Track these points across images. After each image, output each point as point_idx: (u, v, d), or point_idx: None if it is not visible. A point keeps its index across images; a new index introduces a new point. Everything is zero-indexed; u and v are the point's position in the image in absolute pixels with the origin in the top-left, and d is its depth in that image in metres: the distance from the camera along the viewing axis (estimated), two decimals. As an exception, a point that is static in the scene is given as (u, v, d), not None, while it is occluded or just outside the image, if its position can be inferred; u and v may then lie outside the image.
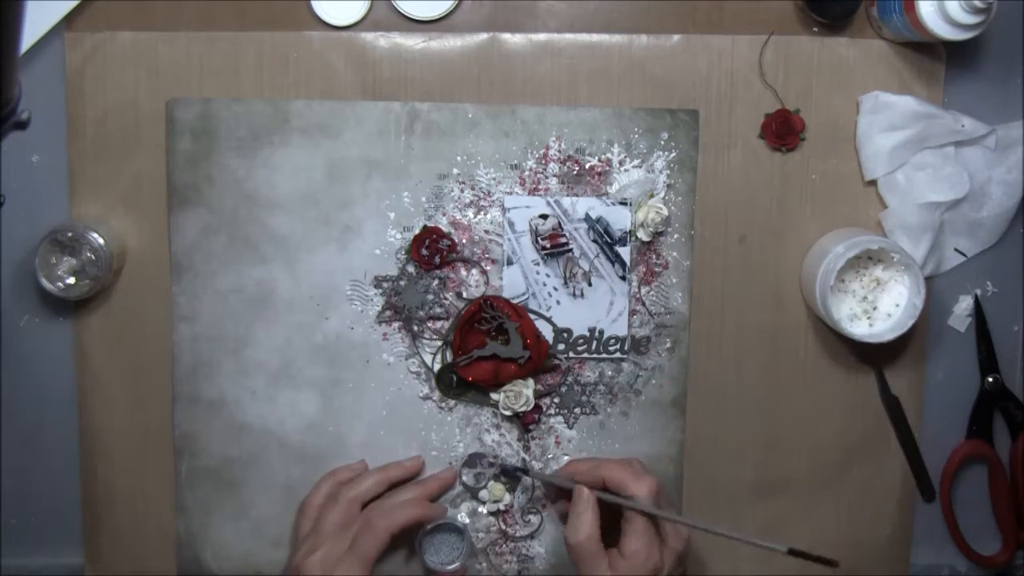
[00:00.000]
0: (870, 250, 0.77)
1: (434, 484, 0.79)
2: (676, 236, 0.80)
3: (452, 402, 0.80)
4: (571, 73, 0.79)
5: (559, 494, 0.80)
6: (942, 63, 0.80)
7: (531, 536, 0.81)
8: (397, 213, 0.79)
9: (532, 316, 0.79)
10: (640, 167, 0.79)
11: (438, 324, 0.79)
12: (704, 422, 0.81)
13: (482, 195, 0.79)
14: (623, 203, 0.79)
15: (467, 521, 0.80)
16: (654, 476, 0.72)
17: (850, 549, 0.83)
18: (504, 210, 0.79)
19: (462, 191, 0.79)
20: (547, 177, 0.79)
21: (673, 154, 0.79)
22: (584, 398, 0.80)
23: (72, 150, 0.78)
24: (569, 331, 0.80)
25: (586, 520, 0.70)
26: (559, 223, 0.79)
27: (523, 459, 0.80)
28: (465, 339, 0.78)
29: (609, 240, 0.79)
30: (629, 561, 0.69)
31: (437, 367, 0.80)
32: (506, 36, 0.79)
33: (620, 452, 0.81)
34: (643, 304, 0.80)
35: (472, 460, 0.79)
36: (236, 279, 0.79)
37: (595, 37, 0.79)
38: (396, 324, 0.79)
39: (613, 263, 0.79)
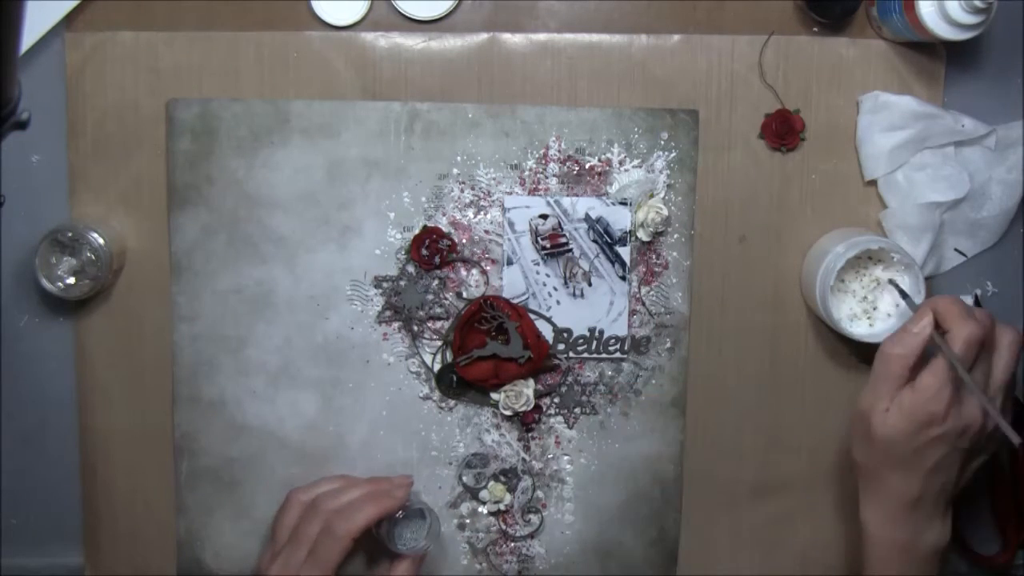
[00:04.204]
0: (870, 250, 0.77)
1: (385, 483, 0.76)
2: (676, 236, 0.80)
3: (452, 402, 0.80)
4: (571, 73, 0.79)
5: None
6: (942, 63, 0.80)
7: (531, 536, 0.81)
8: (397, 213, 0.79)
9: (532, 316, 0.79)
10: (640, 167, 0.79)
11: (438, 324, 0.79)
12: (704, 422, 0.81)
13: (482, 195, 0.79)
14: (623, 203, 0.79)
15: (429, 502, 0.79)
16: (982, 325, 0.65)
17: (850, 549, 0.83)
18: (504, 210, 0.79)
19: (462, 191, 0.79)
20: (547, 177, 0.79)
21: (673, 154, 0.79)
22: (584, 398, 0.80)
23: (72, 150, 0.78)
24: (569, 331, 0.80)
25: (912, 342, 0.65)
26: (559, 223, 0.79)
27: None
28: (465, 339, 0.78)
29: (609, 240, 0.79)
30: (915, 395, 0.64)
31: (437, 367, 0.80)
32: (506, 36, 0.79)
33: (620, 452, 0.81)
34: (643, 304, 0.80)
35: None
36: (236, 279, 0.79)
37: (595, 37, 0.79)
38: (396, 324, 0.79)
39: (613, 263, 0.79)
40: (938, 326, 0.67)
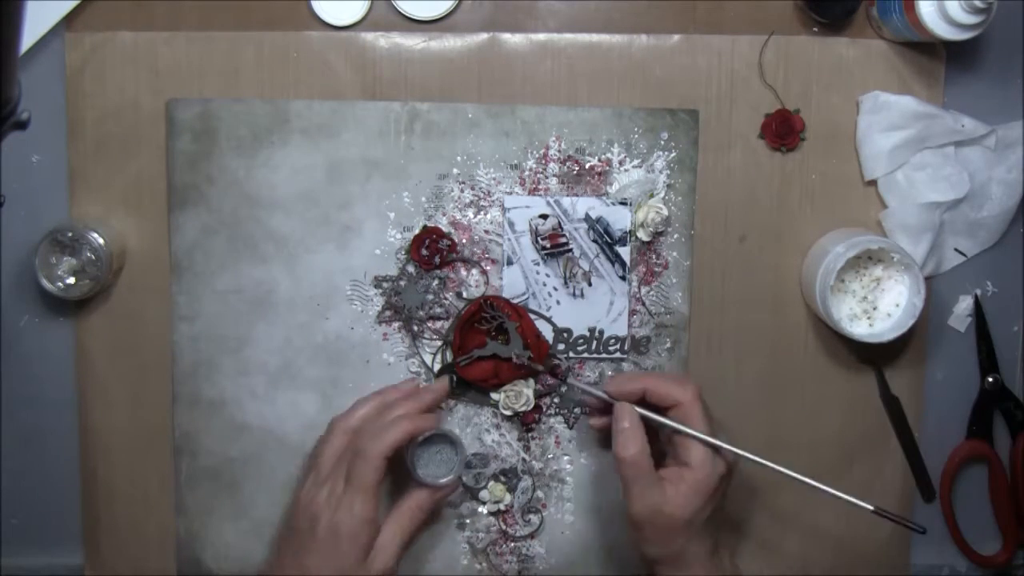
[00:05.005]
0: (870, 250, 0.77)
1: (428, 396, 0.76)
2: (676, 236, 0.80)
3: (452, 402, 0.80)
4: (571, 73, 0.79)
5: (599, 408, 0.77)
6: (942, 63, 0.80)
7: (531, 536, 0.81)
8: (397, 213, 0.79)
9: (532, 316, 0.79)
10: (640, 167, 0.79)
11: (438, 324, 0.79)
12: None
13: (482, 195, 0.79)
14: (623, 203, 0.79)
15: (458, 432, 0.78)
16: (695, 383, 0.71)
17: (850, 549, 0.83)
18: (504, 210, 0.79)
19: (462, 191, 0.79)
20: (547, 177, 0.79)
21: (673, 154, 0.79)
22: (584, 398, 0.80)
23: (72, 150, 0.78)
24: (569, 331, 0.80)
25: (634, 435, 0.69)
26: (559, 223, 0.79)
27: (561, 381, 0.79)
28: (465, 339, 0.78)
29: (609, 240, 0.79)
30: (696, 471, 0.68)
31: (437, 367, 0.80)
32: (506, 36, 0.79)
33: (620, 452, 0.81)
34: (643, 304, 0.80)
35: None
36: (236, 279, 0.79)
37: (595, 37, 0.79)
38: (396, 324, 0.79)
39: (613, 263, 0.79)
40: (647, 402, 0.72)
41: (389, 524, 0.72)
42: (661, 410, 0.72)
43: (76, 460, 0.81)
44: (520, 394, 0.79)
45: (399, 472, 0.76)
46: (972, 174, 0.79)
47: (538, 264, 0.79)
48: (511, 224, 0.79)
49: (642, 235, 0.79)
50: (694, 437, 0.69)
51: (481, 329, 0.78)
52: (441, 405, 0.78)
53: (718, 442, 0.69)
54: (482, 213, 0.79)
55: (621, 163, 0.79)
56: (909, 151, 0.78)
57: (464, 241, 0.79)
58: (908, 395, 0.82)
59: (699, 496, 0.68)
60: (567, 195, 0.79)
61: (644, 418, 0.71)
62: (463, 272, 0.79)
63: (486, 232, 0.79)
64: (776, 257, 0.81)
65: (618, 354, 0.80)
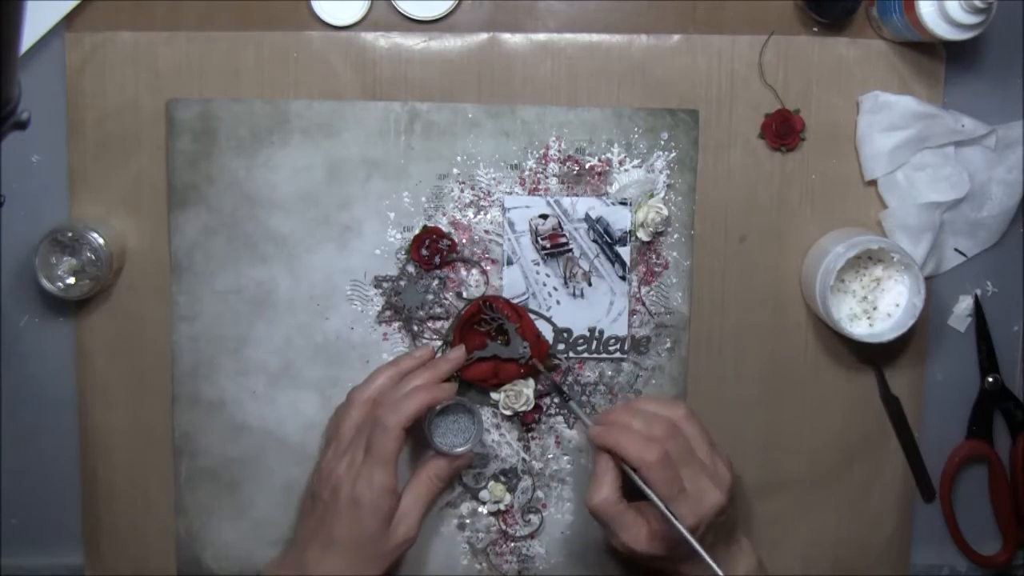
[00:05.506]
0: (870, 250, 0.77)
1: (444, 366, 0.76)
2: (676, 236, 0.80)
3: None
4: (571, 73, 0.79)
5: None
6: (942, 63, 0.80)
7: (531, 536, 0.81)
8: (397, 213, 0.79)
9: (532, 316, 0.79)
10: (640, 167, 0.79)
11: (438, 324, 0.79)
12: (704, 422, 0.81)
13: (482, 195, 0.79)
14: (623, 203, 0.79)
15: (477, 408, 0.78)
16: (670, 437, 0.70)
17: (850, 549, 0.83)
18: (504, 210, 0.79)
19: (462, 191, 0.79)
20: (547, 177, 0.79)
21: (673, 154, 0.79)
22: (584, 398, 0.80)
23: (72, 150, 0.78)
24: (569, 331, 0.80)
25: (602, 480, 0.71)
26: (559, 223, 0.79)
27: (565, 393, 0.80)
28: (465, 340, 0.78)
29: (609, 240, 0.79)
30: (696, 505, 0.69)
31: (437, 367, 0.80)
32: (506, 36, 0.79)
33: (620, 452, 0.81)
34: (643, 304, 0.80)
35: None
36: (236, 279, 0.79)
37: (595, 37, 0.79)
38: (396, 324, 0.79)
39: (613, 263, 0.79)
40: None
41: (409, 493, 0.74)
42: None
43: (76, 460, 0.81)
44: (520, 394, 0.79)
45: (416, 439, 0.77)
46: (972, 174, 0.79)
47: (538, 264, 0.79)
48: (511, 224, 0.79)
49: (642, 235, 0.79)
50: (654, 504, 0.69)
51: (480, 330, 0.78)
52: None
53: (671, 515, 0.68)
54: (482, 213, 0.79)
55: (621, 163, 0.79)
56: (909, 151, 0.78)
57: (464, 241, 0.79)
58: (908, 395, 0.82)
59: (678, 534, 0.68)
60: (567, 195, 0.79)
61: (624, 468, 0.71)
62: (463, 272, 0.79)
63: (486, 232, 0.79)
64: (776, 257, 0.81)
65: (618, 354, 0.80)
